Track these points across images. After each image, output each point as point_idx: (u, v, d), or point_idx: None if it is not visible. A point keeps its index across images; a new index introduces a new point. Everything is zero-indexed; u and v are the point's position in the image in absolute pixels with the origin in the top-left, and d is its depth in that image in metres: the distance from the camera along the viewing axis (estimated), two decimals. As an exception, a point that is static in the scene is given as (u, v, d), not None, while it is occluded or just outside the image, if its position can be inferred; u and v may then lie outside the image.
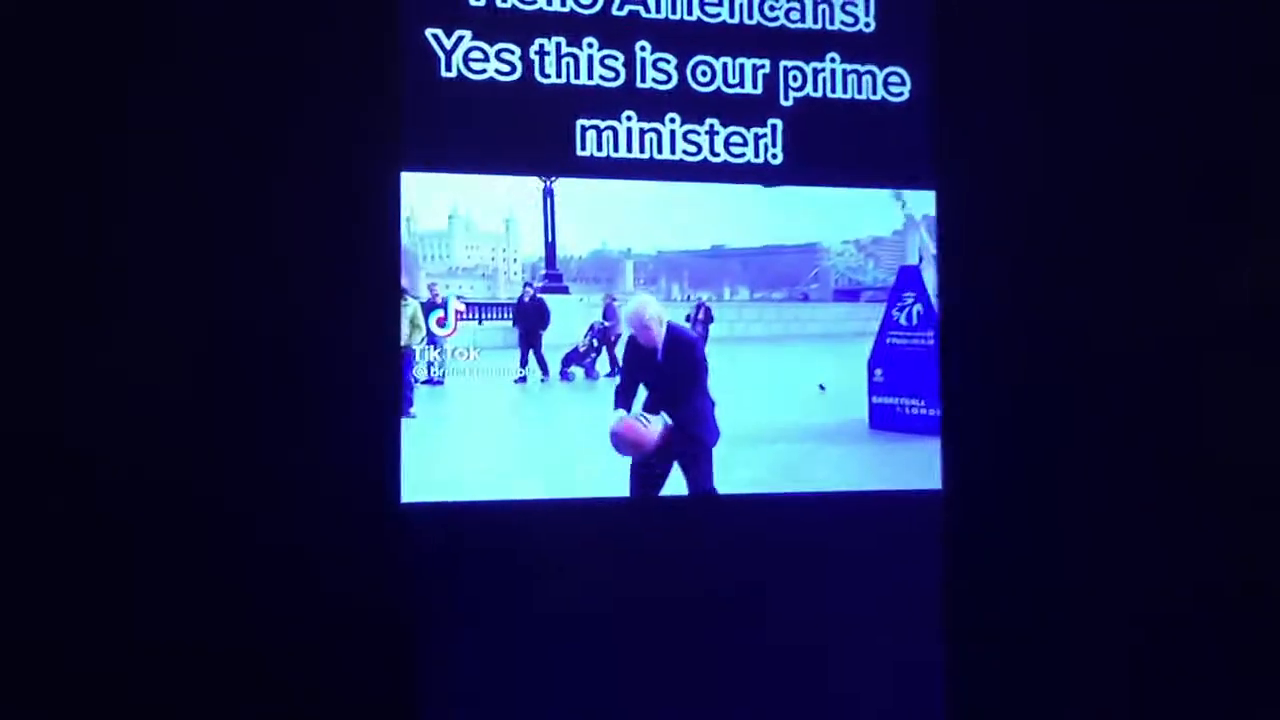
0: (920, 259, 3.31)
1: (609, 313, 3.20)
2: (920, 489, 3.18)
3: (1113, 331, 3.13)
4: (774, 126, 3.19)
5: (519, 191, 3.08)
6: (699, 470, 3.13)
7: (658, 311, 3.17)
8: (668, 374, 3.17)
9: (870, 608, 3.05)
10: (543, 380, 3.12)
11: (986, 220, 3.17)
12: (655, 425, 3.12)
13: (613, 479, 3.10)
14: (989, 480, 3.09)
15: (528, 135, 3.07)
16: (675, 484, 3.13)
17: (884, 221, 3.30)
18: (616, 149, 3.10)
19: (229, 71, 2.65)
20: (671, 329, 3.17)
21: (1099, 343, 3.13)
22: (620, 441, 3.09)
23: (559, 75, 3.03)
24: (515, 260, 3.10)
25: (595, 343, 3.19)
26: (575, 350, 3.18)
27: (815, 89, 3.18)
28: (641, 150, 3.11)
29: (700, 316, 3.21)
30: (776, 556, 3.08)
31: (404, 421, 2.93)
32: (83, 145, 2.46)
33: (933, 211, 3.29)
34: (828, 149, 3.26)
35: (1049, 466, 3.14)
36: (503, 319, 3.11)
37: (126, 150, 2.48)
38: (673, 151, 3.14)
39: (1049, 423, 3.15)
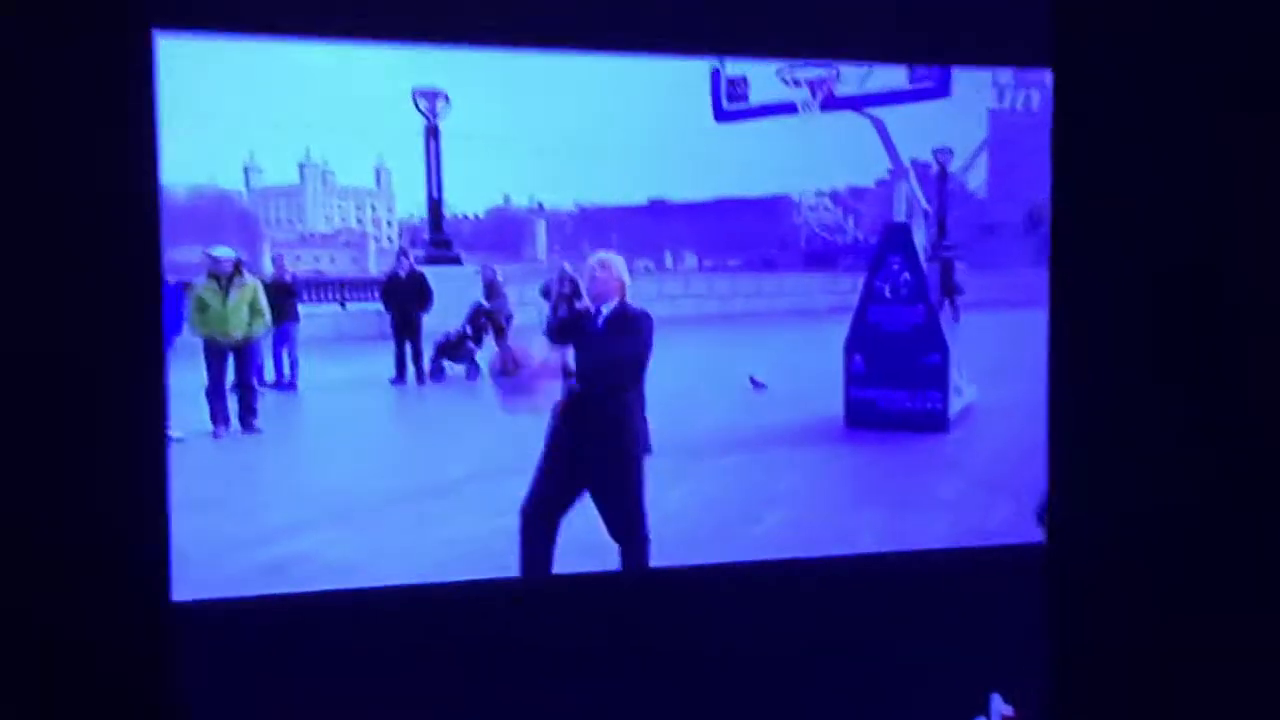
0: (909, 214, 2.73)
1: (493, 289, 2.51)
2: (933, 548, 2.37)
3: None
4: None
5: (394, 131, 2.35)
6: (620, 497, 2.44)
7: (623, 270, 2.47)
8: (606, 347, 2.51)
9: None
10: (419, 384, 2.43)
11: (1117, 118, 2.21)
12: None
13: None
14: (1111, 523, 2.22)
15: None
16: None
17: (865, 166, 2.67)
18: None
19: None
20: (626, 300, 2.49)
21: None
22: (500, 361, 2.46)
23: None
24: (389, 224, 2.40)
25: (470, 330, 2.51)
26: (446, 338, 2.49)
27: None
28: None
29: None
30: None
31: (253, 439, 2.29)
32: None
33: (925, 155, 2.68)
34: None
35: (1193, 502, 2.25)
36: (372, 299, 2.41)
37: None
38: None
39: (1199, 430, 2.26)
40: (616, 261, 2.53)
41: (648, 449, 2.51)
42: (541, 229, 2.57)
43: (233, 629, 2.04)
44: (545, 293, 2.59)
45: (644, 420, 2.53)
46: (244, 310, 2.37)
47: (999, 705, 2.21)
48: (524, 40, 2.35)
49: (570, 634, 2.14)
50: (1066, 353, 2.07)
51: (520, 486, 2.38)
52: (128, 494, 1.74)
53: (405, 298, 2.45)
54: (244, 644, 2.02)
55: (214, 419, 2.57)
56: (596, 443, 2.46)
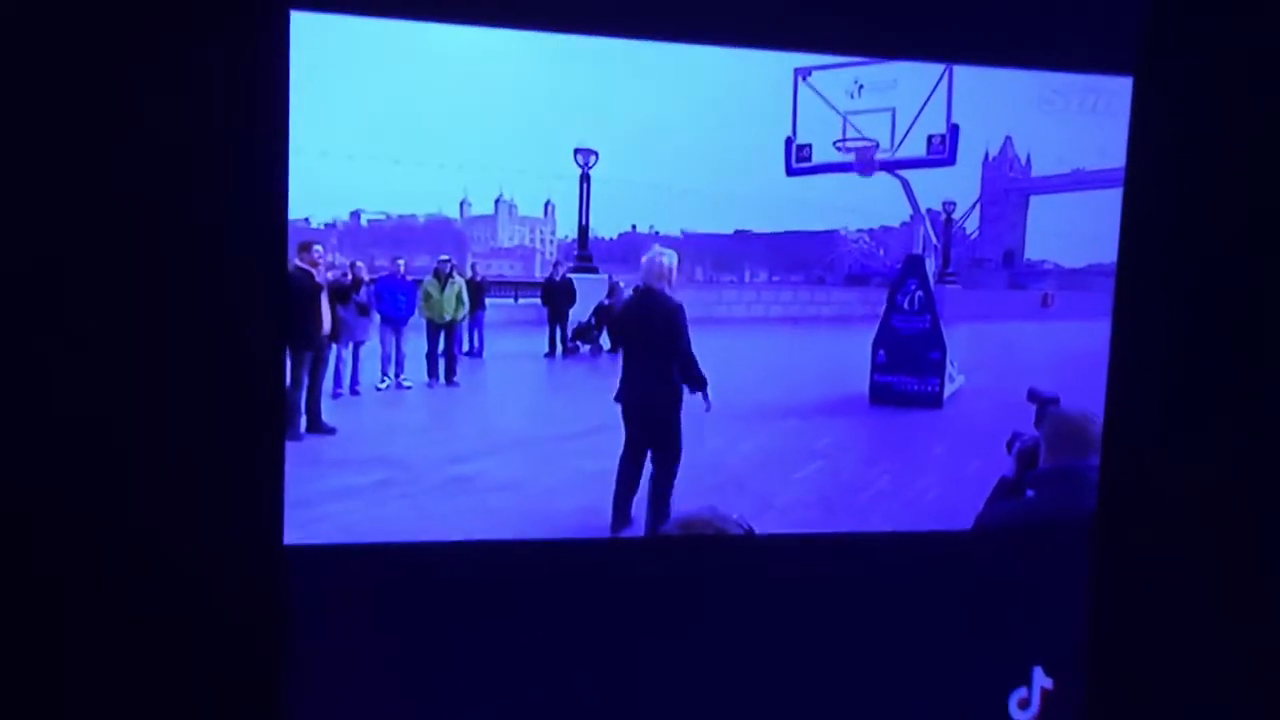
0: (923, 249, 3.53)
1: (613, 290, 3.36)
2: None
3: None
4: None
5: (559, 175, 3.24)
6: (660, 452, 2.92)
7: (673, 261, 2.91)
8: (632, 317, 2.99)
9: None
10: (562, 357, 3.35)
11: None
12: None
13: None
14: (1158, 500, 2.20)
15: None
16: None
17: (893, 212, 3.50)
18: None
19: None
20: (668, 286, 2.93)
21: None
22: None
23: None
24: (551, 242, 3.30)
25: (595, 320, 3.38)
26: (578, 325, 3.38)
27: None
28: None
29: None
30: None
31: (454, 390, 3.13)
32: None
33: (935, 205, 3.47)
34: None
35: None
36: (535, 296, 3.32)
37: None
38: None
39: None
40: (669, 254, 2.94)
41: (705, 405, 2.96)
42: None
43: (343, 574, 1.93)
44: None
45: (677, 384, 2.94)
46: (453, 300, 3.25)
47: (1040, 678, 2.16)
48: (653, 115, 3.11)
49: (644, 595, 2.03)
50: (1127, 340, 2.06)
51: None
52: (245, 443, 1.76)
53: (558, 296, 3.35)
54: (354, 589, 1.93)
55: (430, 375, 3.43)
56: (640, 399, 2.95)
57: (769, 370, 3.55)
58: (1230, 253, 2.10)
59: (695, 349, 2.91)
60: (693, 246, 3.43)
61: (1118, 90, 2.00)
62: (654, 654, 2.02)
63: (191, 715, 1.82)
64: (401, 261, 3.11)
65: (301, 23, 1.73)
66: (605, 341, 3.44)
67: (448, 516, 2.86)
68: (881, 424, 3.54)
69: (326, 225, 2.98)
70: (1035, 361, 3.56)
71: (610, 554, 2.10)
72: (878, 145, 3.39)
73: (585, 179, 3.23)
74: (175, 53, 1.67)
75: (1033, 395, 2.22)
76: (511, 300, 3.36)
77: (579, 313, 3.39)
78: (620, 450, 2.91)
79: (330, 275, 2.86)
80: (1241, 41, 2.09)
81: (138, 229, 1.68)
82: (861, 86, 3.13)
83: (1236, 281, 2.12)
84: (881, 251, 3.55)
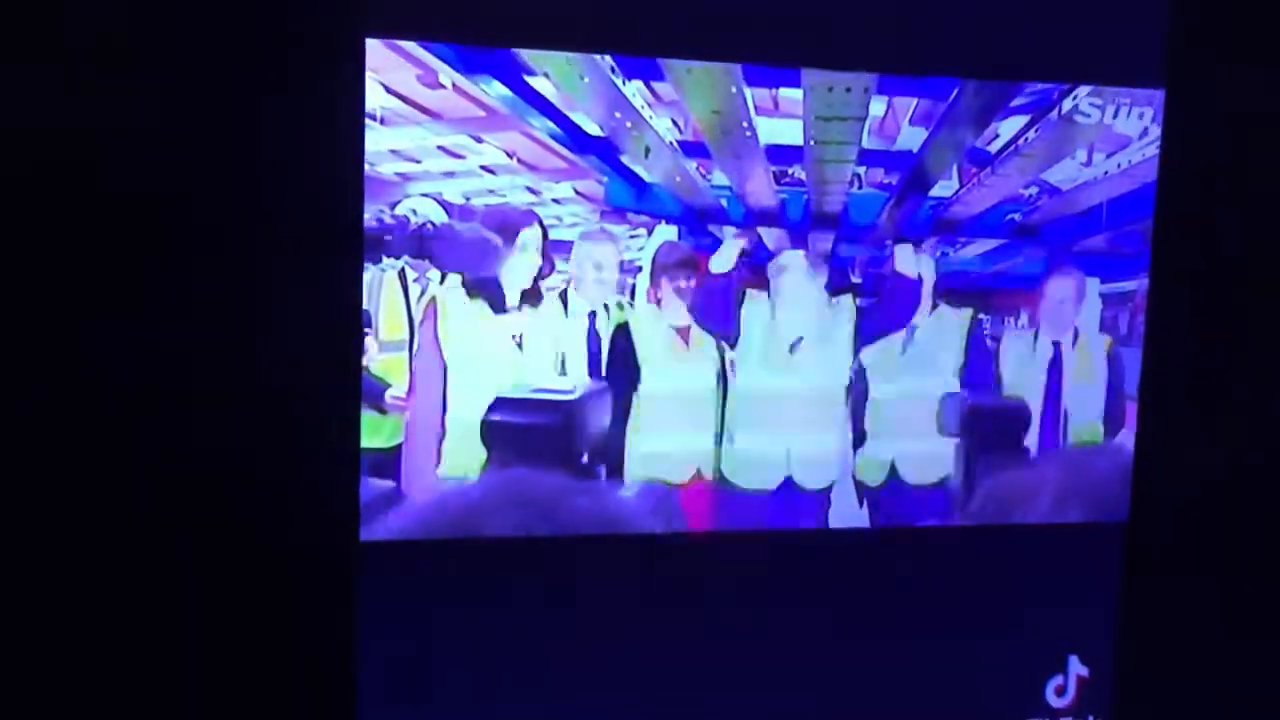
0: None
1: None
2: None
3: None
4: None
5: None
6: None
7: None
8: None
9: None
10: None
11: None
12: None
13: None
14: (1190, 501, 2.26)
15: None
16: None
17: None
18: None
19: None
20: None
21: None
22: None
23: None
24: None
25: None
26: None
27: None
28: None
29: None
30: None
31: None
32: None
33: None
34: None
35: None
36: None
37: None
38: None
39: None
40: None
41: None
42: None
43: (416, 571, 1.89)
44: None
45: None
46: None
47: (1076, 666, 2.19)
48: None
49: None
50: (1161, 339, 2.13)
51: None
52: (321, 440, 1.79)
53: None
54: (429, 587, 1.91)
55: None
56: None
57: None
58: (1261, 257, 2.16)
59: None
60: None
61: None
62: (703, 651, 2.04)
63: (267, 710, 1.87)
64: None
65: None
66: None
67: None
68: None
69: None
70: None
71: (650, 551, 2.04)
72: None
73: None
74: (247, 91, 1.70)
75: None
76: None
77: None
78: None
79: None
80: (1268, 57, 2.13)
81: (211, 261, 1.72)
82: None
83: (1268, 281, 2.18)
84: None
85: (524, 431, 1.86)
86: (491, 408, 1.84)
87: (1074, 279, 2.08)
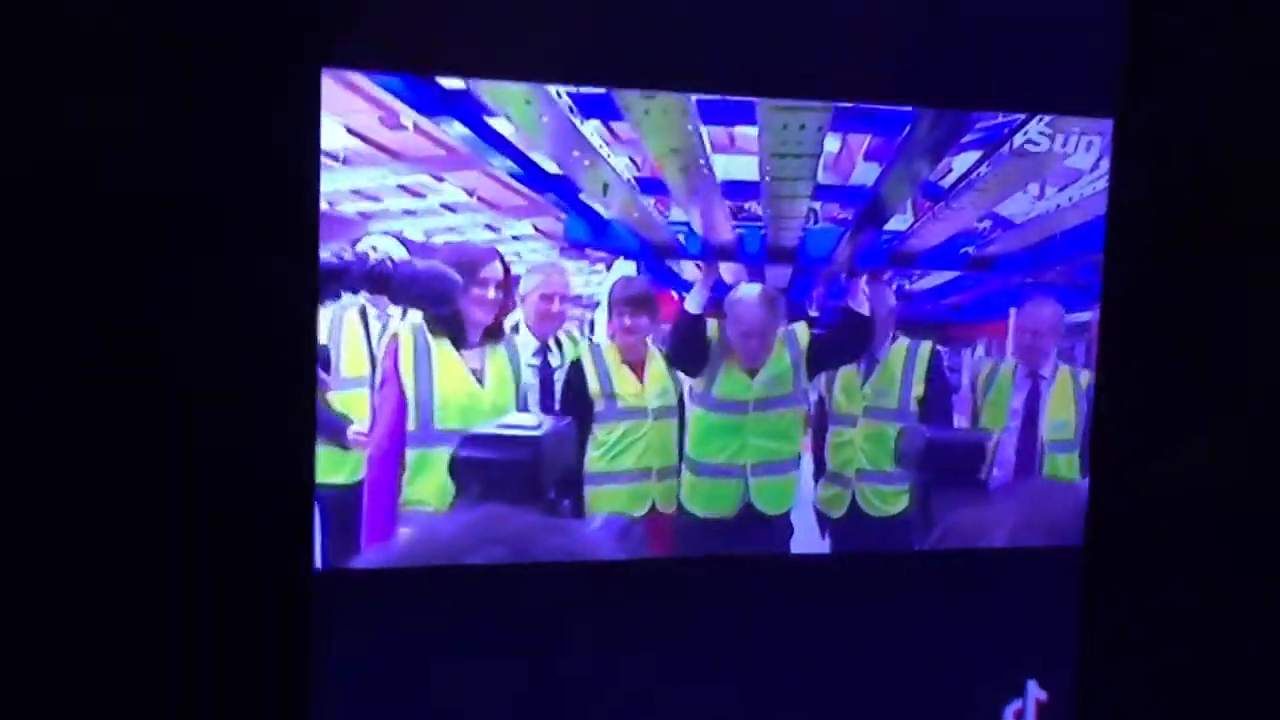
0: None
1: None
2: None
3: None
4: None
5: None
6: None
7: None
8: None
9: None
10: None
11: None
12: None
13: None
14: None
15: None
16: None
17: None
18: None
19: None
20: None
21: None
22: None
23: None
24: None
25: None
26: None
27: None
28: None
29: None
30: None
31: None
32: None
33: None
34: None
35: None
36: None
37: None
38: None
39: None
40: None
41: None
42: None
43: (372, 599, 1.84)
44: None
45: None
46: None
47: (1035, 691, 2.15)
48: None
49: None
50: (1114, 361, 2.07)
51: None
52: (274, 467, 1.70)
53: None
54: (384, 615, 1.85)
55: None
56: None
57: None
58: (1211, 277, 2.11)
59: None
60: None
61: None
62: (674, 675, 2.00)
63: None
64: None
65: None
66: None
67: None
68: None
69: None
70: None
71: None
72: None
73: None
74: (204, 117, 1.63)
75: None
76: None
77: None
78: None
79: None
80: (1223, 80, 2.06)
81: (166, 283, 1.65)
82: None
83: (1220, 302, 2.14)
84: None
85: (493, 467, 1.89)
86: (462, 444, 1.87)
87: (1050, 309, 2.12)
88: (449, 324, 1.86)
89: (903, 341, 2.06)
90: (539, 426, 1.90)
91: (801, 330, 2.02)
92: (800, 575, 2.07)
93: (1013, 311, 2.12)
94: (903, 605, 2.09)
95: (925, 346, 2.08)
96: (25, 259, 1.63)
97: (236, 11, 1.63)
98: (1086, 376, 2.12)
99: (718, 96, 1.87)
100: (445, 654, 1.86)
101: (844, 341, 2.03)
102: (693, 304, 1.98)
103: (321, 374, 1.78)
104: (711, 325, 2.00)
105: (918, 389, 2.08)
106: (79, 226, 1.61)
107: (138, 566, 1.70)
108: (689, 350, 1.99)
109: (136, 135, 1.61)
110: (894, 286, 2.04)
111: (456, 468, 1.85)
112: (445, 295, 1.85)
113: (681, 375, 2.00)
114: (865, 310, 2.01)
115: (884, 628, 2.09)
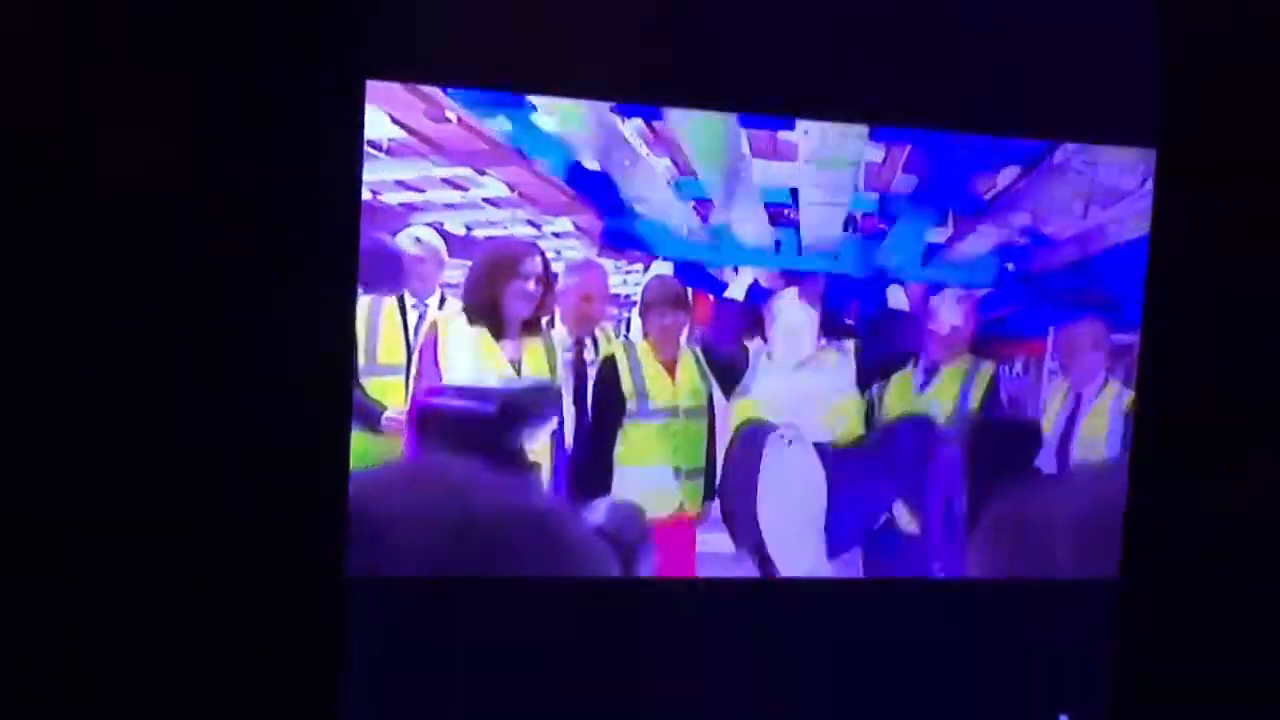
0: None
1: None
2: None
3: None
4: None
5: None
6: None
7: None
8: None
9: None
10: None
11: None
12: None
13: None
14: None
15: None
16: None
17: None
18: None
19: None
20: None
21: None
22: None
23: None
24: None
25: None
26: None
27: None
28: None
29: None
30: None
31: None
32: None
33: None
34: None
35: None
36: None
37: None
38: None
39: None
40: None
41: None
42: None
43: (405, 606, 1.91)
44: None
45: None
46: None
47: None
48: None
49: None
50: (1151, 395, 2.10)
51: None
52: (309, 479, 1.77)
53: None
54: (418, 623, 1.94)
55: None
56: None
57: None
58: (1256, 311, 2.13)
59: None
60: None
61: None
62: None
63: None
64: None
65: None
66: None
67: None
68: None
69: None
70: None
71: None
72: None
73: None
74: (251, 126, 1.71)
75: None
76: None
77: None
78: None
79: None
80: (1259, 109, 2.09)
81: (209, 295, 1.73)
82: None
83: (1261, 335, 2.15)
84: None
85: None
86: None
87: (1094, 328, 2.10)
88: (487, 315, 1.88)
89: (966, 358, 2.05)
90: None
91: (847, 344, 2.03)
92: (830, 601, 2.08)
93: (1051, 329, 2.10)
94: (931, 637, 2.11)
95: (987, 367, 2.07)
96: (102, 251, 1.70)
97: (293, 25, 1.69)
98: (1130, 398, 2.10)
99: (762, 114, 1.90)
100: (467, 661, 1.90)
101: (886, 349, 2.03)
102: (733, 292, 1.99)
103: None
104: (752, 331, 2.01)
105: (974, 404, 2.07)
106: (147, 233, 1.70)
107: (174, 555, 1.76)
108: (723, 340, 2.00)
109: (200, 141, 1.70)
110: (935, 297, 2.04)
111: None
112: (486, 287, 1.87)
113: (713, 377, 2.00)
114: (905, 307, 2.01)
115: (913, 661, 2.10)
